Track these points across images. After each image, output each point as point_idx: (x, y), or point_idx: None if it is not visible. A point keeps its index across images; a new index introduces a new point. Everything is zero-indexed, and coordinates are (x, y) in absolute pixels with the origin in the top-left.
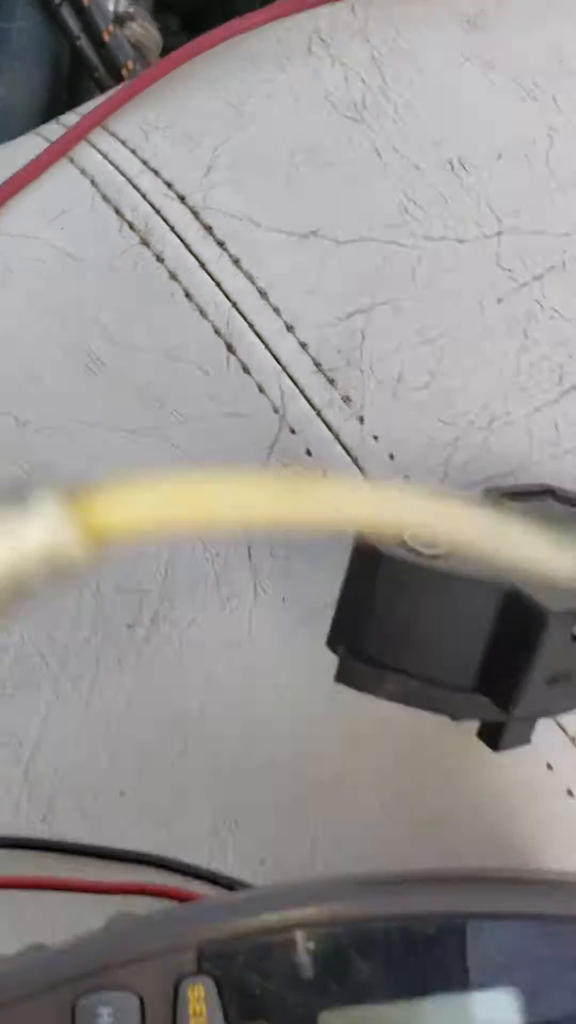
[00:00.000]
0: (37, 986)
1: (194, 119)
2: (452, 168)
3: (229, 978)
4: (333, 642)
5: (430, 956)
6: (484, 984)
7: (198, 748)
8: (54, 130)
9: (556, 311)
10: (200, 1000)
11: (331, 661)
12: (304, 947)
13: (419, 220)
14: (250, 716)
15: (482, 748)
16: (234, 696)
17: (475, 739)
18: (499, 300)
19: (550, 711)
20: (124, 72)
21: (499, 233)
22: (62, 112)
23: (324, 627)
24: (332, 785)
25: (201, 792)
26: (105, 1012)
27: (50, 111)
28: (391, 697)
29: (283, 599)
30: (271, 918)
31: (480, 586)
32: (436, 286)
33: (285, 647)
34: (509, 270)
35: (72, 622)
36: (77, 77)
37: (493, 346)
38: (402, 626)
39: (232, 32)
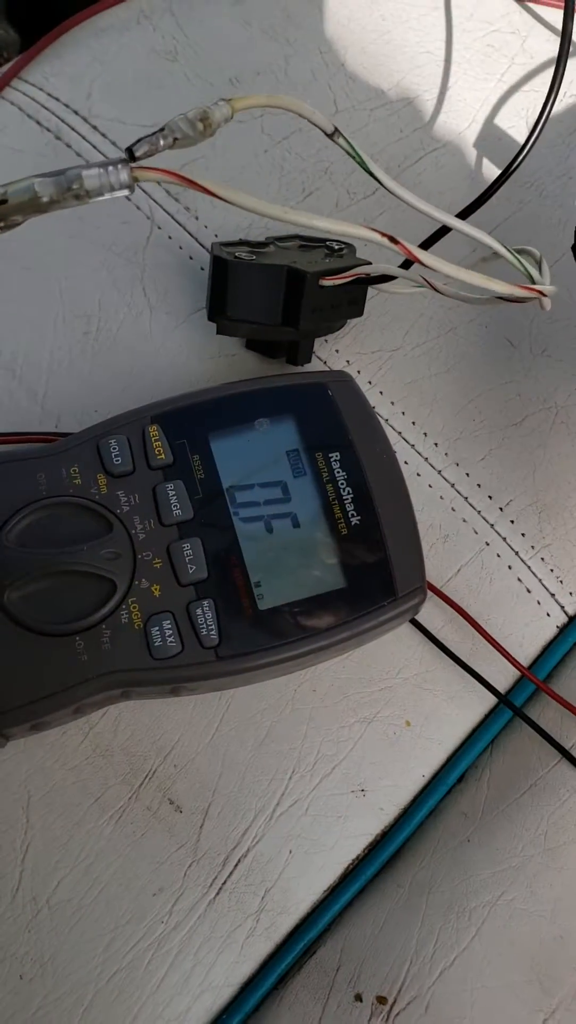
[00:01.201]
0: (79, 439)
1: (74, 67)
2: (232, 83)
3: (166, 422)
4: (211, 314)
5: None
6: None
7: None
8: None
9: (298, 155)
10: (156, 434)
11: None
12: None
13: None
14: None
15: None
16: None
17: None
18: (265, 151)
19: (318, 332)
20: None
21: (261, 116)
22: None
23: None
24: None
25: None
26: (113, 442)
27: None
28: (245, 334)
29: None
30: (180, 402)
31: (275, 268)
32: (231, 146)
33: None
34: (269, 135)
35: None
36: None
37: (264, 176)
38: (243, 296)
39: (87, 15)
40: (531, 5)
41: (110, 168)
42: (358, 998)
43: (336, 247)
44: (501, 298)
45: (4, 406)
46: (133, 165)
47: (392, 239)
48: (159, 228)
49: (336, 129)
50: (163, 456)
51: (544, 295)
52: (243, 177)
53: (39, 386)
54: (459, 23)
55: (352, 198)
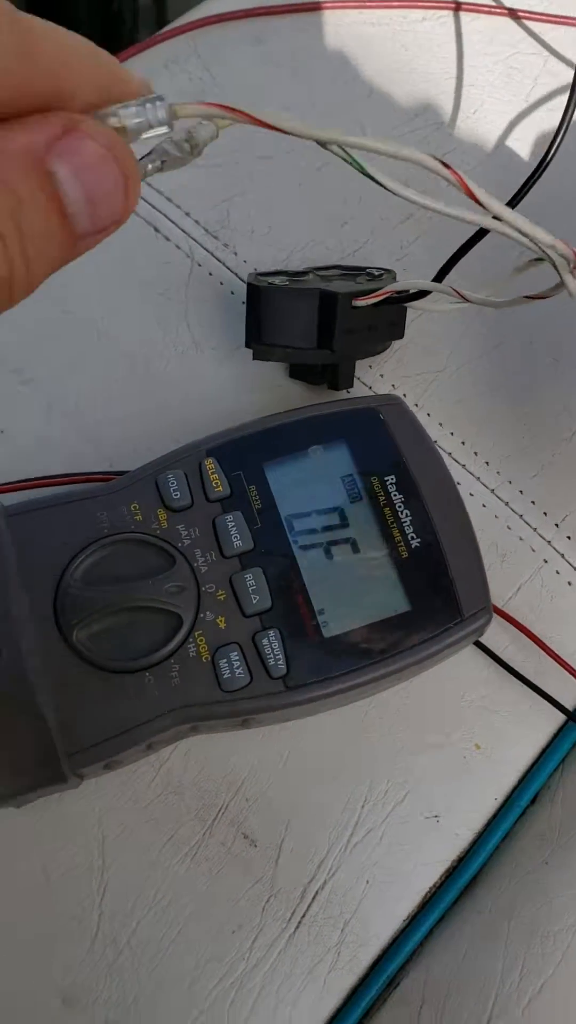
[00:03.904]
0: (137, 476)
1: None
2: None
3: (221, 455)
4: (248, 340)
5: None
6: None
7: None
8: None
9: (332, 187)
10: (212, 467)
11: None
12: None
13: (246, 149)
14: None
15: None
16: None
17: None
18: (300, 184)
19: (355, 355)
20: None
21: (291, 150)
22: None
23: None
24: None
25: None
26: (171, 477)
27: None
28: (281, 358)
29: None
30: (233, 434)
31: (308, 292)
32: (265, 181)
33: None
34: (303, 167)
35: None
36: None
37: (300, 209)
38: (277, 321)
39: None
40: (554, 25)
41: (148, 105)
42: None
43: (377, 273)
44: (528, 297)
45: (59, 447)
46: (171, 102)
47: (444, 164)
48: (199, 265)
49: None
50: (220, 488)
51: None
52: (279, 210)
53: (91, 427)
54: (480, 47)
55: (387, 223)
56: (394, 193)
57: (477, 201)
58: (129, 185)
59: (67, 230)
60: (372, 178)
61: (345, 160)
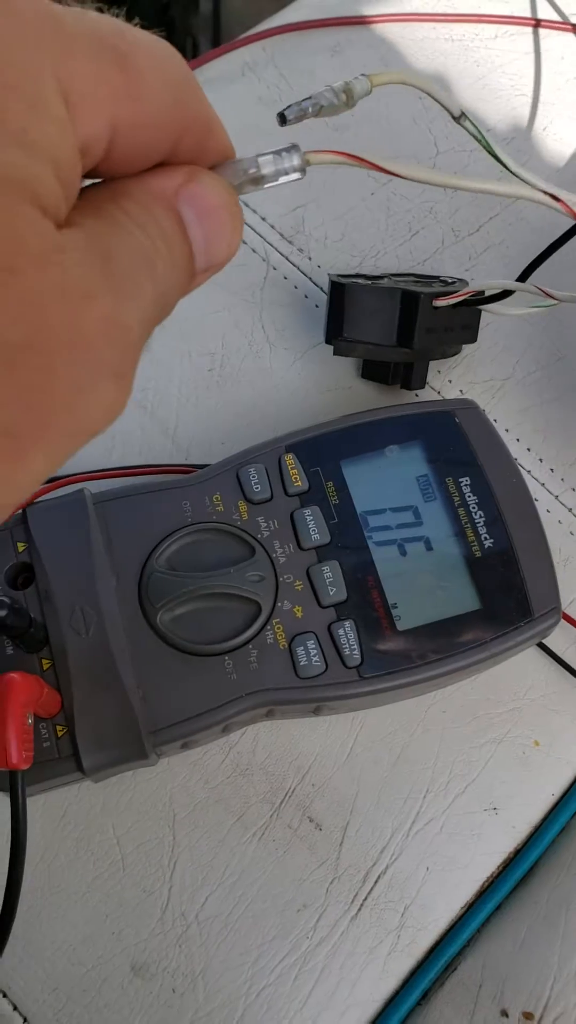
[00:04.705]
0: (219, 468)
1: None
2: (335, 129)
3: (300, 451)
4: (329, 336)
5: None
6: (401, 442)
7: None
8: None
9: (403, 196)
10: (292, 462)
11: None
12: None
13: None
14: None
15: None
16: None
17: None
18: (372, 193)
19: (432, 354)
20: None
21: None
22: None
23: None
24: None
25: None
26: (252, 470)
27: None
28: (361, 355)
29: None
30: (313, 431)
31: (391, 290)
32: (339, 189)
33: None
34: (375, 177)
35: None
36: None
37: (372, 217)
38: (359, 318)
39: (192, 67)
40: None
41: (283, 153)
42: (504, 1014)
43: (450, 281)
44: None
45: (139, 440)
46: (305, 150)
47: (554, 197)
48: (274, 269)
49: (463, 113)
50: (299, 483)
51: None
52: (351, 217)
53: (170, 421)
54: (550, 65)
55: (457, 236)
56: (520, 178)
57: None
58: (236, 234)
59: (193, 264)
60: (500, 161)
61: (476, 138)
